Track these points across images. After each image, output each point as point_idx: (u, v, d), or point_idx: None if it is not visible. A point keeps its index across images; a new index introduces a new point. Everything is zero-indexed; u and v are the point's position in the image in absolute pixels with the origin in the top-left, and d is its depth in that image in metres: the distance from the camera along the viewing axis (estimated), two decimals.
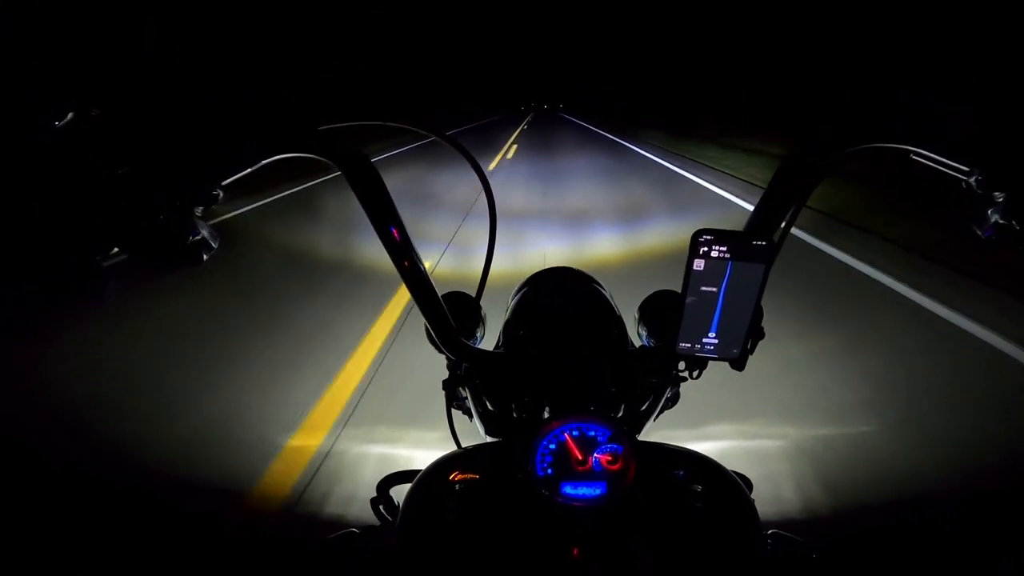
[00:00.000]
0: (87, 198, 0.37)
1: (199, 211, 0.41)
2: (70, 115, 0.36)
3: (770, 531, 0.57)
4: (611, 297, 0.70)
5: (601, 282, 0.73)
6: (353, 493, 1.63)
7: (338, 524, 1.50)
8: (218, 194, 0.41)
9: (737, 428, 1.92)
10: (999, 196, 0.42)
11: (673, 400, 0.68)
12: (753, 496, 0.51)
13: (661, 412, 0.67)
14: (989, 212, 0.43)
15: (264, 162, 0.44)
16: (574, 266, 0.76)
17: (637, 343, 0.68)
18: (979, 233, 0.44)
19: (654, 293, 0.69)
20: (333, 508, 1.58)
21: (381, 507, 0.59)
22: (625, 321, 0.68)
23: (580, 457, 0.45)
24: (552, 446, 0.46)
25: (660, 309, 0.68)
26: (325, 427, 1.94)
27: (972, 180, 0.42)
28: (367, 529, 0.59)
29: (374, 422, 1.98)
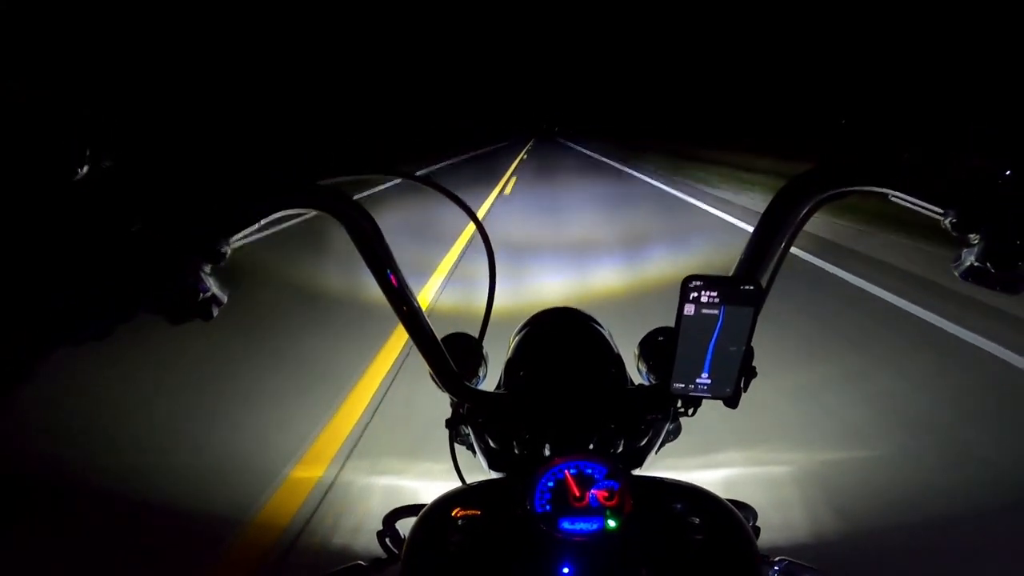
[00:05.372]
0: (99, 253, 0.39)
1: (207, 268, 0.43)
2: (85, 168, 0.38)
3: (778, 558, 0.57)
4: (610, 336, 0.71)
5: (600, 321, 0.74)
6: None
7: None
8: (226, 251, 0.43)
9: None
10: (974, 238, 0.43)
11: (675, 433, 0.69)
12: (759, 524, 0.52)
13: (663, 445, 0.68)
14: (964, 253, 0.44)
15: (269, 218, 0.47)
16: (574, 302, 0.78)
17: (637, 379, 0.70)
18: (956, 274, 0.45)
19: (653, 330, 0.71)
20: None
21: (387, 540, 0.60)
22: (625, 358, 0.70)
23: (578, 494, 0.47)
24: (551, 483, 0.48)
25: (659, 346, 0.69)
26: None
27: (947, 222, 0.44)
28: (374, 562, 0.60)
29: None
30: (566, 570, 0.43)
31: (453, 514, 0.51)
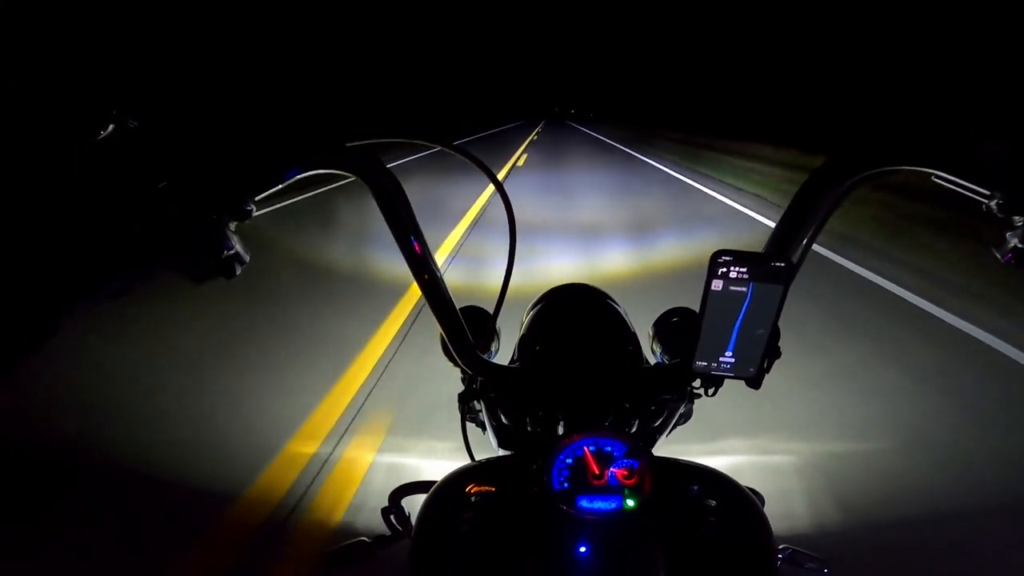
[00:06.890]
0: (125, 209, 0.38)
1: (232, 226, 0.42)
2: (111, 127, 0.37)
3: (783, 546, 0.57)
4: (626, 314, 0.70)
5: (616, 298, 0.73)
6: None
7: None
8: (251, 209, 0.43)
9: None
10: (1019, 220, 0.42)
11: (686, 416, 0.68)
12: (765, 511, 0.51)
13: (674, 428, 0.68)
14: (1008, 235, 0.43)
15: (296, 178, 0.46)
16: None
17: (651, 360, 0.69)
18: (999, 256, 0.43)
19: (669, 310, 0.69)
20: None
21: (392, 517, 0.60)
22: (640, 337, 0.69)
23: (597, 471, 0.46)
24: (569, 460, 0.47)
25: (675, 326, 0.68)
26: None
27: (993, 203, 0.42)
28: (378, 538, 0.60)
29: None
30: (583, 548, 0.43)
31: (466, 491, 0.50)
